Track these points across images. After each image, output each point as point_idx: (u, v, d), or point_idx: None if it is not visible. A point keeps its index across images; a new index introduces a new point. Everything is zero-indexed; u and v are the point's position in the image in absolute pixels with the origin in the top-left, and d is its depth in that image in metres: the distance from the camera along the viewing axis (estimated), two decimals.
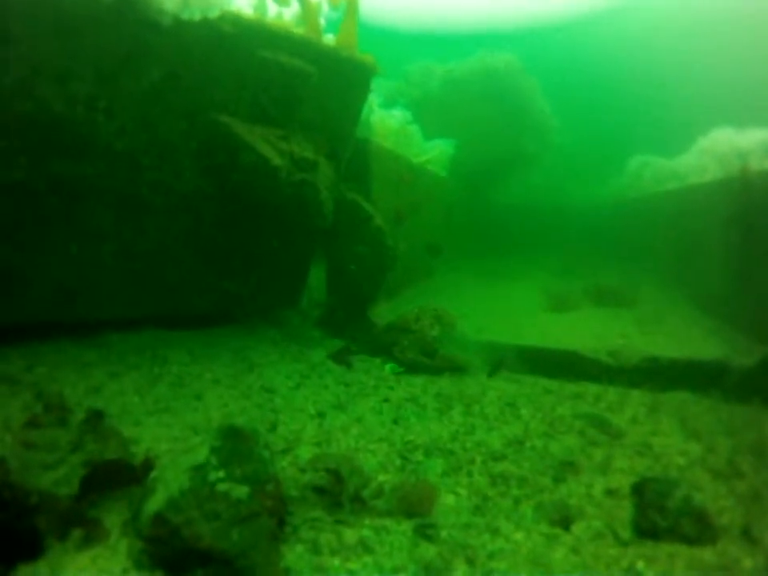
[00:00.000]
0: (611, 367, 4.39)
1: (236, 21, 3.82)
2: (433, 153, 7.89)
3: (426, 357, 4.52)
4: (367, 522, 2.36)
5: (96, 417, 2.88)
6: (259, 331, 5.29)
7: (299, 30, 4.26)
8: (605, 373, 4.38)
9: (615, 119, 23.18)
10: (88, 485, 2.35)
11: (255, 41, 3.94)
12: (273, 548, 2.11)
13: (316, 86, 4.20)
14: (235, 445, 2.51)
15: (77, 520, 2.19)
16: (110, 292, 4.23)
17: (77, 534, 2.15)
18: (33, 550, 2.04)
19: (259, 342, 4.96)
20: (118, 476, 2.47)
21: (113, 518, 2.25)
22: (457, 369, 4.50)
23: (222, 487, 2.23)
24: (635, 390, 4.19)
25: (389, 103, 8.35)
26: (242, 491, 2.23)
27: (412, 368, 4.48)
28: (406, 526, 2.35)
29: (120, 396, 3.50)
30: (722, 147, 7.31)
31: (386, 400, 3.79)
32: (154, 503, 2.16)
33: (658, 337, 5.13)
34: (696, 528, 2.34)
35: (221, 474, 2.29)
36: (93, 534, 2.18)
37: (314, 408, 3.56)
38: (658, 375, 4.29)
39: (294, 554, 2.14)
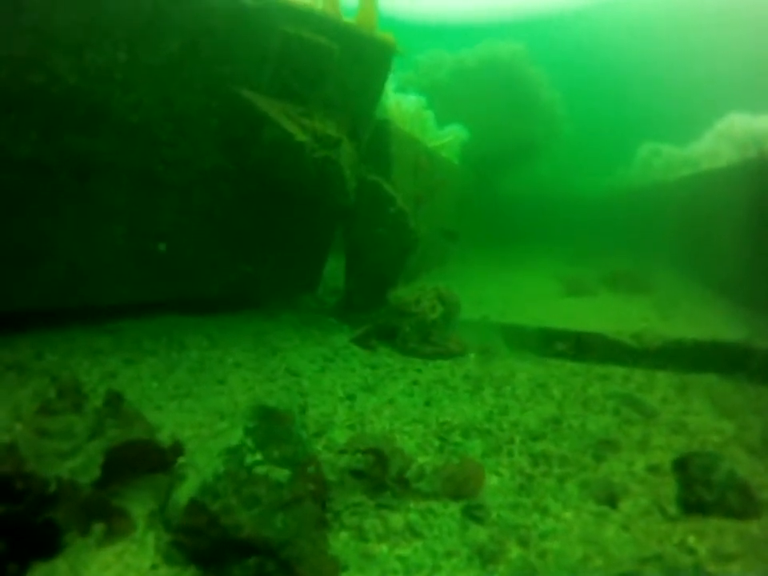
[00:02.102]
0: (635, 350, 4.37)
1: None
2: (447, 138, 7.78)
3: (429, 344, 4.33)
4: (412, 505, 2.26)
5: (117, 399, 2.72)
6: (277, 316, 5.19)
7: (319, 7, 4.14)
8: (629, 355, 4.35)
9: (622, 109, 23.13)
10: (110, 470, 2.17)
11: (277, 15, 3.81)
12: (320, 535, 1.97)
13: (337, 64, 4.08)
14: (271, 426, 2.37)
15: (99, 510, 2.03)
16: (121, 275, 4.09)
17: (99, 527, 1.98)
18: (50, 546, 1.87)
19: (278, 327, 4.84)
20: (144, 459, 2.30)
21: (137, 509, 2.10)
22: (457, 354, 4.35)
23: (260, 470, 2.09)
24: (660, 371, 4.17)
25: (400, 91, 8.26)
26: (282, 474, 2.10)
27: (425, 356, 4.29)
28: (454, 508, 2.27)
29: (137, 382, 3.37)
30: (737, 131, 7.26)
31: (416, 382, 3.71)
32: (187, 490, 2.02)
33: (679, 320, 5.15)
34: (741, 502, 2.33)
35: (258, 456, 2.16)
36: (117, 527, 2.02)
37: (342, 391, 3.47)
38: (682, 358, 4.28)
39: (339, 542, 2.03)
